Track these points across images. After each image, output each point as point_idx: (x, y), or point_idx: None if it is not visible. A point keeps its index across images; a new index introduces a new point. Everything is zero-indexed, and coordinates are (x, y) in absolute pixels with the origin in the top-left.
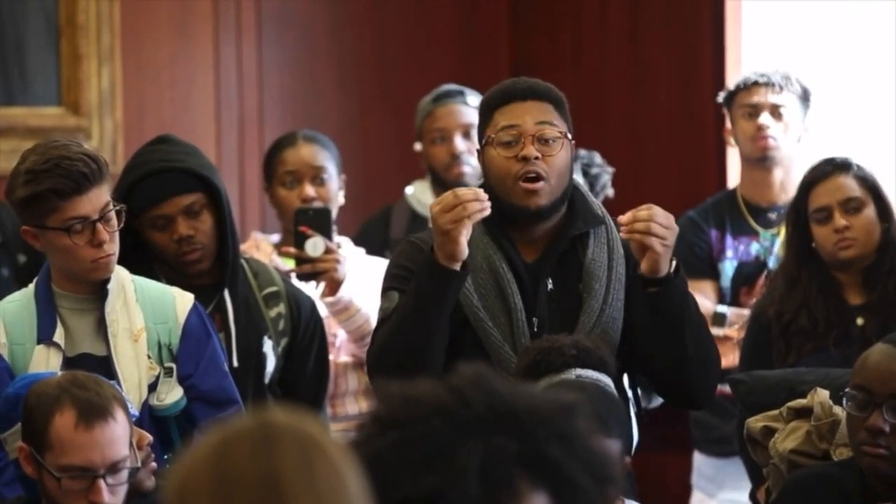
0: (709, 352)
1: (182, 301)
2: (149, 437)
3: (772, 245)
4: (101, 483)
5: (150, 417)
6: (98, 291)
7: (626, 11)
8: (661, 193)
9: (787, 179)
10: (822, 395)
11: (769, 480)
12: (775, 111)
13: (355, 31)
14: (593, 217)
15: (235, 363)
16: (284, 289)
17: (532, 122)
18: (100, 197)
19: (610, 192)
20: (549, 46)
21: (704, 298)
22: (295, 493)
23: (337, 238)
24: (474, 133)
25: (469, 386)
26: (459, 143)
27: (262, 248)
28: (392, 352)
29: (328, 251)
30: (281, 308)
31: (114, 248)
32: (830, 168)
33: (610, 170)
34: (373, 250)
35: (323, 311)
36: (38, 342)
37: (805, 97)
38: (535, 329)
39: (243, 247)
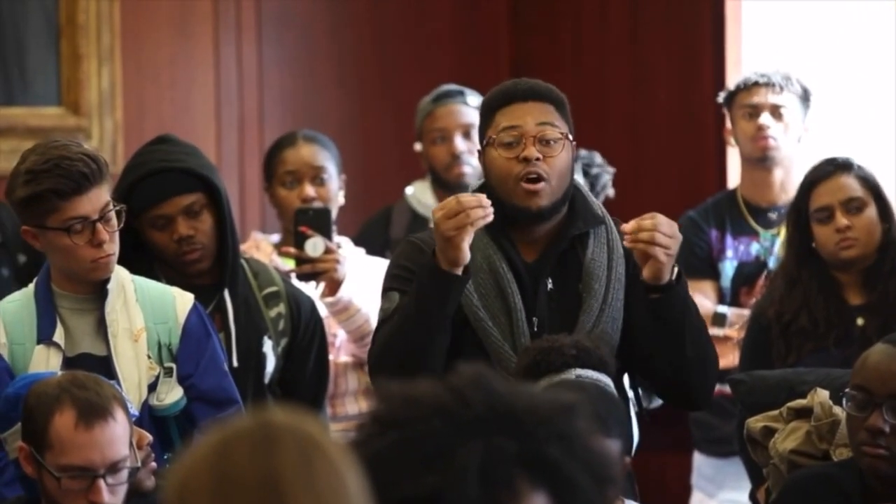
0: (707, 354)
1: (182, 301)
2: (149, 437)
3: (772, 245)
4: (101, 483)
5: (149, 417)
6: (98, 291)
7: (626, 11)
8: (661, 193)
9: (787, 180)
10: (822, 395)
11: (769, 480)
12: (776, 111)
13: (355, 31)
14: (593, 217)
15: (235, 363)
16: (284, 289)
17: (533, 123)
18: (100, 197)
19: (611, 192)
20: (549, 46)
21: (704, 298)
22: (295, 493)
23: (337, 238)
24: (474, 133)
25: (469, 386)
26: (460, 143)
27: (262, 248)
28: (394, 353)
29: (328, 251)
30: (281, 308)
31: (114, 248)
32: (832, 168)
33: (611, 170)
34: (373, 250)
35: (323, 311)
36: (38, 342)
37: (805, 97)
38: (535, 329)
39: (243, 247)
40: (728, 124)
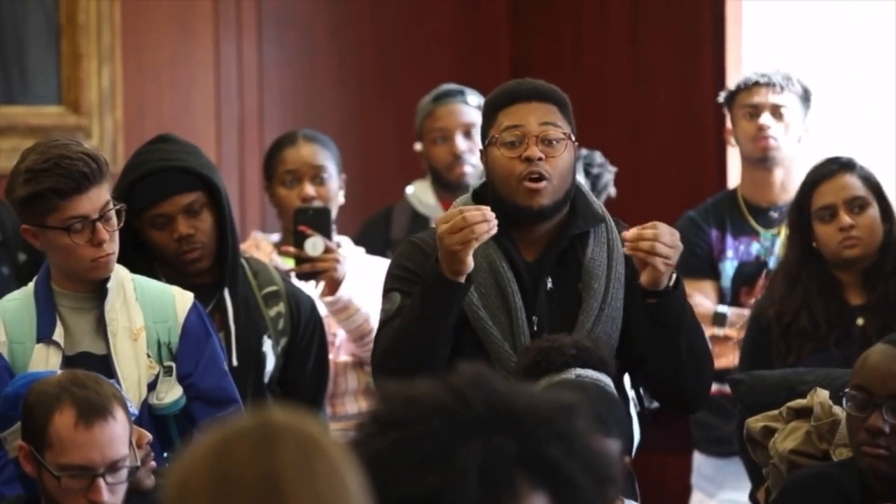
0: (703, 358)
1: (182, 300)
2: (148, 436)
3: (772, 245)
4: (101, 482)
5: (149, 416)
6: (98, 290)
7: (626, 11)
8: (661, 193)
9: (787, 179)
10: (822, 395)
11: (769, 480)
12: (776, 111)
13: (355, 30)
14: (593, 216)
15: (235, 362)
16: (284, 288)
17: (536, 122)
18: (100, 196)
19: (612, 191)
20: (549, 46)
21: (705, 298)
22: (295, 492)
23: (336, 237)
24: (475, 132)
25: (469, 386)
26: (460, 142)
27: (261, 247)
28: (397, 356)
29: (328, 250)
30: (281, 307)
31: (113, 247)
32: (835, 167)
33: (612, 169)
34: (374, 250)
35: (323, 310)
36: (38, 341)
37: (806, 97)
38: (535, 328)
39: (243, 246)
40: (728, 124)
